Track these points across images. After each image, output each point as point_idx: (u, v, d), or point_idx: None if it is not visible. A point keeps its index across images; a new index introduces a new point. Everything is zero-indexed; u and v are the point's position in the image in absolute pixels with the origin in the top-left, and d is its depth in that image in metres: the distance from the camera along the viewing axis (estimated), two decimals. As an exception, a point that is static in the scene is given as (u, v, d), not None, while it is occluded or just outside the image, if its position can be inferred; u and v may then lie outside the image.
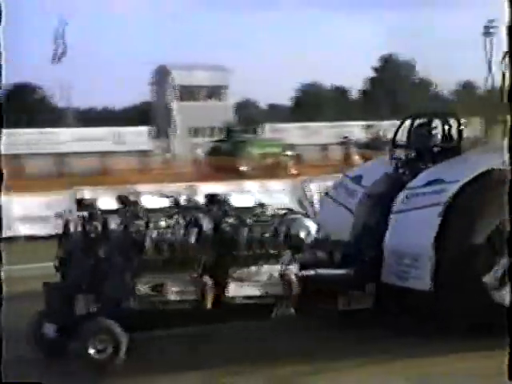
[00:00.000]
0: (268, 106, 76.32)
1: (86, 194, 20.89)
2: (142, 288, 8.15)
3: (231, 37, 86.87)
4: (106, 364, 7.95)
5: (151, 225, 8.22)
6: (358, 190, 10.16)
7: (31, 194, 21.39)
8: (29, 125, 46.62)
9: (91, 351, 7.90)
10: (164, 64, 56.92)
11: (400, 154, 10.32)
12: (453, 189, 8.99)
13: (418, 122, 10.32)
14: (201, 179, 25.03)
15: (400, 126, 10.65)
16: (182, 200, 8.83)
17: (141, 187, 20.19)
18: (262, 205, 8.93)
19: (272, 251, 8.54)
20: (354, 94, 77.33)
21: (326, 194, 10.92)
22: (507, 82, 6.00)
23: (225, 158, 36.08)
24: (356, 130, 45.34)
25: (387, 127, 29.54)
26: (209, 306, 8.26)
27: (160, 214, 8.38)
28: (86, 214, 8.70)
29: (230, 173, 31.02)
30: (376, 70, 74.63)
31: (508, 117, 6.14)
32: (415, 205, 9.18)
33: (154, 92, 59.09)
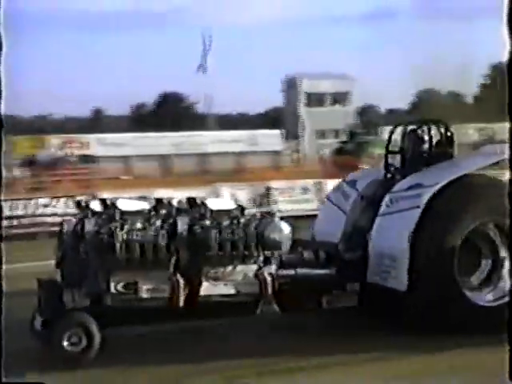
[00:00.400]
0: (387, 110, 75.37)
1: (225, 189, 21.28)
2: (116, 286, 7.93)
3: (353, 47, 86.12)
4: (79, 357, 7.74)
5: (126, 226, 7.96)
6: (351, 193, 9.84)
7: (178, 189, 21.83)
8: (176, 129, 47.47)
9: (65, 344, 7.71)
10: (293, 74, 56.97)
11: (394, 159, 9.95)
12: (429, 193, 8.63)
13: (409, 129, 9.88)
14: (327, 176, 24.92)
15: (392, 133, 10.25)
16: (161, 203, 8.51)
17: (274, 183, 20.40)
18: (241, 208, 8.61)
19: (246, 252, 8.22)
20: (468, 99, 75.46)
21: (328, 197, 10.58)
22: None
23: (348, 157, 35.91)
24: (470, 131, 44.23)
25: (499, 129, 28.74)
26: (181, 303, 7.97)
27: (137, 217, 8.12)
28: (80, 215, 8.56)
29: (353, 171, 30.80)
30: (488, 76, 72.71)
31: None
32: (396, 208, 8.85)
33: (284, 99, 59.30)
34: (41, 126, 60.35)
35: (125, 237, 7.91)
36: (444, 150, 9.58)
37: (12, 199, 19.55)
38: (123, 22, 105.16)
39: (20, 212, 19.62)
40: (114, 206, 8.34)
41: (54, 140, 41.00)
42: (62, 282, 8.26)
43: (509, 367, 5.25)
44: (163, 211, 8.36)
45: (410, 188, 8.91)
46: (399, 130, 10.17)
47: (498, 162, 8.89)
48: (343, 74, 55.43)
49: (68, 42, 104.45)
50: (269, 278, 8.26)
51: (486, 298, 8.74)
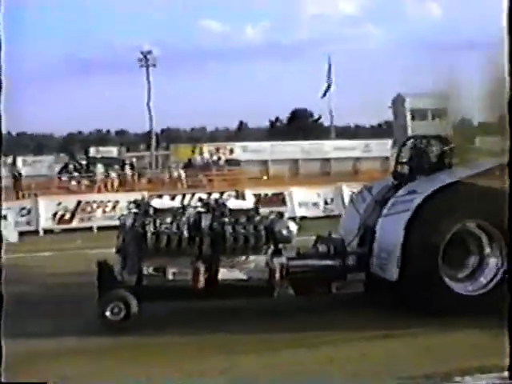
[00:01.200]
0: (479, 123, 72.97)
1: (344, 188, 21.23)
2: (147, 269, 8.03)
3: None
4: (118, 324, 7.88)
5: (157, 221, 8.05)
6: (367, 197, 9.63)
7: (306, 187, 22.02)
8: (304, 138, 47.75)
9: (108, 313, 7.89)
10: (400, 92, 56.01)
11: (402, 169, 9.72)
12: (419, 198, 8.44)
13: (417, 142, 9.66)
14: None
15: (402, 146, 9.95)
16: (188, 202, 8.57)
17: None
18: (256, 208, 8.52)
19: (258, 245, 8.16)
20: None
21: (351, 199, 10.41)
22: None
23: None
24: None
25: None
26: (202, 285, 7.95)
27: (168, 213, 8.18)
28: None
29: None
30: None
31: None
32: (394, 210, 8.67)
33: (393, 114, 58.46)
34: (197, 137, 61.97)
35: (155, 229, 8.06)
36: (444, 161, 9.38)
37: (176, 194, 20.22)
38: (259, 53, 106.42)
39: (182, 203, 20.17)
40: (148, 204, 8.51)
41: (207, 147, 42.03)
42: (107, 264, 8.46)
43: (508, 367, 4.94)
44: (190, 209, 8.50)
45: (407, 193, 8.79)
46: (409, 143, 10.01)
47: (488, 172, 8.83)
48: (441, 92, 54.10)
49: (218, 71, 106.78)
50: (277, 267, 8.22)
51: (467, 288, 8.59)
